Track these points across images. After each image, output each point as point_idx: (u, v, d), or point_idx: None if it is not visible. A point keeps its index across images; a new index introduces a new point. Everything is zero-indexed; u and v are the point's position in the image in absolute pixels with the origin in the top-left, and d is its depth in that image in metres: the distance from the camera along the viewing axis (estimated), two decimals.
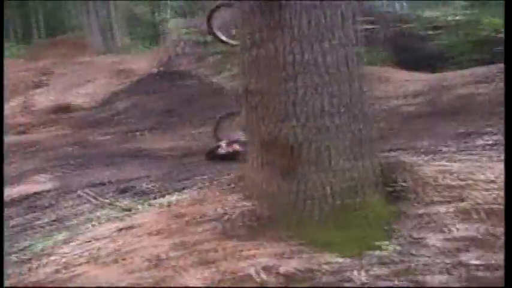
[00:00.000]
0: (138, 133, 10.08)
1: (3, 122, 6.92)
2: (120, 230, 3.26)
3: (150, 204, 4.62)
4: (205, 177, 5.85)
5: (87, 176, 6.69)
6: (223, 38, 7.05)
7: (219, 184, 3.59)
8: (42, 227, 4.68)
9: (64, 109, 12.12)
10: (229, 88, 11.99)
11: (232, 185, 3.34)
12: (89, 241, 3.22)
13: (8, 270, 3.59)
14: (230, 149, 6.43)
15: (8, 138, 10.00)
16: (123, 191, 5.63)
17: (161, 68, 14.31)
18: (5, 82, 14.26)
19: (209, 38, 13.85)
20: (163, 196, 5.16)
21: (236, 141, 6.40)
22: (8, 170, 7.30)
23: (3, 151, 5.23)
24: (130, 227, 3.26)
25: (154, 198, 5.13)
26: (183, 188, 5.37)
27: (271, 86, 2.84)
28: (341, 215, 2.85)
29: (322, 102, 2.81)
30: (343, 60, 2.84)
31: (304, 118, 2.80)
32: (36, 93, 13.50)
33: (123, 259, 2.74)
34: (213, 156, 6.59)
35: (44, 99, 13.10)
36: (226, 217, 2.90)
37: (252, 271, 2.54)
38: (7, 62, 18.36)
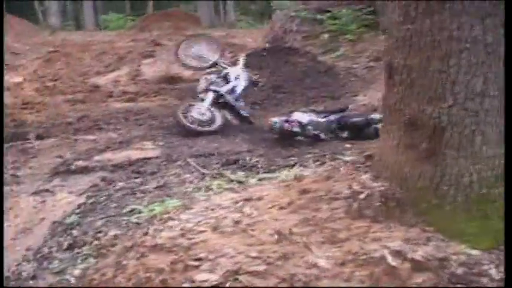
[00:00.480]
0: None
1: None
2: (238, 201, 3.22)
3: (260, 179, 4.65)
4: (310, 154, 5.88)
5: (190, 146, 6.81)
6: (192, 63, 8.41)
7: (344, 162, 3.47)
8: (150, 192, 4.81)
9: (170, 80, 12.40)
10: (339, 67, 11.93)
11: (359, 165, 3.20)
12: (207, 210, 3.20)
13: (116, 231, 3.73)
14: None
15: (116, 105, 10.48)
16: (229, 164, 5.69)
17: (270, 44, 14.34)
18: (114, 52, 14.96)
19: (320, 16, 13.98)
20: (273, 171, 5.19)
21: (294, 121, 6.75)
22: (115, 135, 7.60)
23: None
24: (249, 199, 3.22)
25: (264, 172, 5.16)
26: (293, 165, 5.38)
27: (423, 63, 2.70)
28: (483, 204, 2.67)
29: (475, 84, 2.62)
30: (502, 39, 2.62)
31: (453, 99, 2.63)
32: (144, 64, 13.92)
33: (246, 230, 2.70)
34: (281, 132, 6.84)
35: (151, 69, 13.50)
36: (354, 196, 2.79)
37: (382, 254, 2.46)
38: (118, 33, 19.26)
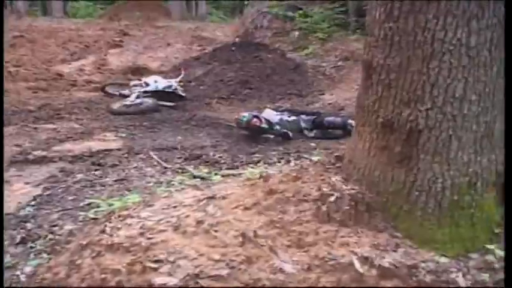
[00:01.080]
0: (208, 101, 10.13)
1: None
2: (202, 199, 3.07)
3: (224, 175, 4.56)
4: (275, 152, 5.87)
5: (154, 139, 6.71)
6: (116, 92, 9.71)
7: (312, 162, 3.35)
8: (110, 185, 4.68)
9: (136, 71, 12.20)
10: (308, 65, 11.87)
11: (329, 165, 3.08)
12: (168, 208, 3.05)
13: (72, 226, 3.56)
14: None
15: (80, 95, 10.23)
16: (192, 158, 5.62)
17: (240, 39, 14.23)
18: (81, 40, 14.61)
19: (291, 13, 13.91)
20: (236, 168, 5.12)
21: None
22: (76, 125, 7.39)
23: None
24: (213, 198, 3.07)
25: (227, 168, 5.09)
26: (257, 162, 5.33)
27: (403, 64, 2.58)
28: (454, 211, 2.59)
29: (455, 88, 2.52)
30: (486, 43, 2.53)
31: (431, 103, 2.52)
32: (110, 54, 13.64)
33: (209, 231, 2.55)
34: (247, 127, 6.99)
35: (118, 59, 13.25)
36: (323, 199, 2.67)
37: (350, 260, 2.38)
38: (87, 21, 18.86)
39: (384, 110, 2.67)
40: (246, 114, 7.08)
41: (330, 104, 9.70)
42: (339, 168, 3.00)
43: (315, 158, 4.13)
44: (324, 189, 2.72)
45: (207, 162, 5.48)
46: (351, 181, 2.80)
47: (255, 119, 6.88)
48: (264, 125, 6.85)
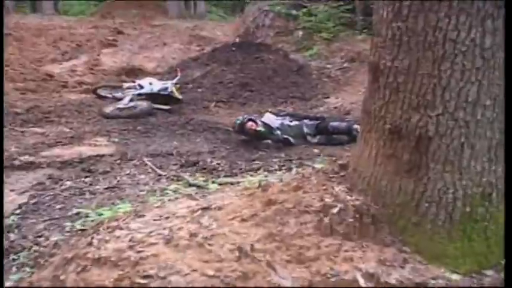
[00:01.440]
0: (206, 104, 10.13)
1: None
2: (196, 210, 3.03)
3: (221, 183, 4.53)
4: (276, 159, 5.85)
5: (148, 144, 6.69)
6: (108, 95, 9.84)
7: (314, 171, 3.32)
8: (100, 193, 4.65)
9: (131, 72, 12.19)
10: (312, 67, 11.85)
11: (332, 174, 3.05)
12: (160, 219, 3.01)
13: (58, 237, 3.52)
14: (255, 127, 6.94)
15: (70, 97, 10.21)
16: (188, 165, 5.60)
17: (240, 39, 14.21)
18: (72, 39, 14.60)
19: (295, 11, 13.89)
20: (235, 176, 5.08)
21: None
22: (66, 129, 7.37)
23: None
24: (208, 208, 3.04)
25: (225, 176, 5.07)
26: (257, 169, 5.31)
27: (412, 66, 2.55)
28: (466, 224, 2.55)
29: (468, 91, 2.48)
30: (501, 44, 2.49)
31: (442, 108, 2.48)
32: (104, 53, 13.62)
33: (203, 245, 2.51)
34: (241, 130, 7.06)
35: (111, 59, 13.24)
36: (325, 210, 2.63)
37: (354, 276, 2.36)
38: (79, 19, 18.87)
39: (391, 115, 2.63)
40: (240, 117, 7.12)
41: (335, 108, 9.67)
42: (343, 177, 2.97)
43: (317, 166, 4.09)
44: (327, 199, 2.68)
45: (204, 169, 5.45)
46: (356, 191, 2.77)
47: (250, 123, 6.89)
48: (261, 129, 6.85)
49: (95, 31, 15.69)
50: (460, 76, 2.48)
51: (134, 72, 12.10)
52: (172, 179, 4.99)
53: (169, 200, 3.79)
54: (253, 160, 5.96)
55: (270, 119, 7.26)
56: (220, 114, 9.57)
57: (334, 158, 3.52)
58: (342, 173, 3.01)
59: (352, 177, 2.89)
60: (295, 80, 11.28)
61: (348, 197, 2.69)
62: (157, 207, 3.42)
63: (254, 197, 3.02)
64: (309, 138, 7.14)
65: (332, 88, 10.94)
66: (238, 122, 6.97)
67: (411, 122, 2.56)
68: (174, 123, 8.22)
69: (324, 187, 2.83)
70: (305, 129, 7.18)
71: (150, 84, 9.44)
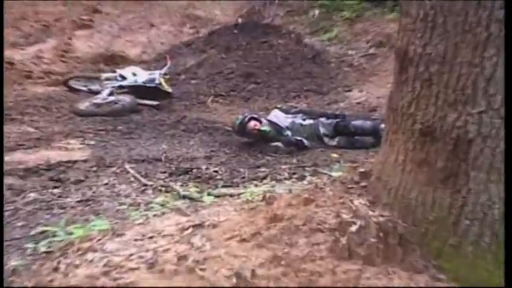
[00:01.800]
0: (201, 99, 10.17)
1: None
2: (187, 227, 3.05)
3: (219, 195, 4.59)
4: (286, 166, 5.89)
5: (131, 148, 6.73)
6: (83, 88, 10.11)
7: (330, 180, 3.33)
8: (72, 207, 4.70)
9: (110, 60, 12.25)
10: (330, 54, 11.89)
11: (351, 184, 3.06)
12: (143, 238, 3.03)
13: (17, 262, 3.54)
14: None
15: (36, 90, 10.26)
16: (179, 173, 5.65)
17: (243, 20, 14.25)
18: (37, 18, 14.62)
19: None
20: (236, 186, 5.13)
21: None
22: (31, 129, 7.41)
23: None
24: (201, 225, 3.06)
25: (224, 186, 5.12)
26: (263, 178, 5.34)
27: (448, 52, 2.54)
28: None
29: None
30: None
31: (486, 104, 2.47)
32: (77, 36, 13.67)
33: (194, 270, 2.52)
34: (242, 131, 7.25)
35: (86, 44, 13.29)
36: (343, 228, 2.63)
37: None
38: None
39: (422, 113, 2.63)
40: (240, 116, 7.18)
41: (358, 103, 9.72)
42: (364, 188, 2.98)
43: (334, 174, 4.11)
44: (344, 215, 2.68)
45: (199, 178, 5.51)
46: (380, 205, 2.78)
47: (252, 122, 6.94)
48: (266, 128, 6.90)
49: (66, 9, 15.72)
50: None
51: (114, 60, 12.18)
52: (160, 190, 5.04)
53: (154, 215, 3.82)
54: (258, 167, 6.01)
55: (278, 117, 7.31)
56: (219, 111, 9.63)
57: (354, 165, 3.52)
58: (363, 183, 3.02)
59: (375, 188, 2.89)
60: (309, 70, 11.34)
61: (370, 212, 2.69)
62: (140, 224, 3.44)
63: (257, 211, 3.04)
64: (326, 140, 7.20)
65: (355, 79, 11.00)
66: (237, 121, 7.04)
67: (447, 121, 2.55)
68: (163, 123, 8.28)
69: (341, 200, 2.84)
70: (321, 129, 7.24)
71: (134, 74, 9.52)
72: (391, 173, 2.81)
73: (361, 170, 3.14)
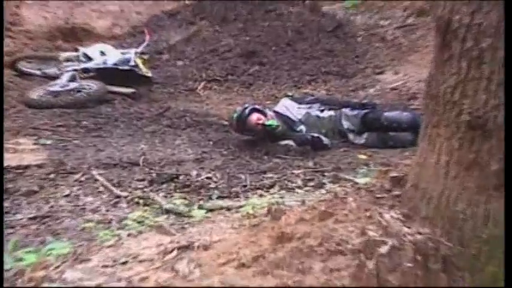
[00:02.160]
0: (190, 85, 10.17)
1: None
2: (170, 250, 3.08)
3: (212, 209, 4.60)
4: (299, 170, 5.89)
5: (100, 149, 6.75)
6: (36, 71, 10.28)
7: (354, 187, 3.35)
8: (22, 226, 4.72)
9: (71, 34, 12.25)
10: (356, 25, 11.88)
11: (380, 193, 3.08)
12: (114, 264, 3.05)
13: None
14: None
15: None
16: (162, 181, 5.67)
17: None
18: None
19: None
20: (235, 196, 5.14)
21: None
22: None
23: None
24: (188, 247, 3.08)
25: (219, 197, 5.12)
26: (270, 187, 5.35)
27: (502, 23, 2.55)
28: None
29: None
30: None
31: None
32: (26, 5, 13.67)
33: None
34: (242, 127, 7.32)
35: (38, 15, 13.28)
36: (369, 250, 2.65)
37: None
38: None
39: (471, 100, 2.64)
40: (239, 107, 7.19)
41: (393, 89, 9.72)
42: (398, 197, 3.00)
43: (360, 181, 4.12)
44: (371, 232, 2.70)
45: (187, 187, 5.52)
46: (417, 219, 2.79)
47: (255, 115, 6.96)
48: (272, 123, 6.92)
49: None
50: None
51: (76, 35, 12.19)
52: (137, 203, 5.05)
53: (129, 235, 3.84)
54: (263, 172, 6.01)
55: (289, 107, 7.32)
56: (213, 101, 9.64)
57: (386, 169, 3.54)
58: (395, 192, 3.03)
59: (411, 197, 2.91)
60: (329, 46, 11.36)
61: (405, 229, 2.71)
62: (110, 246, 3.47)
63: (260, 229, 3.06)
64: (351, 137, 7.20)
65: (389, 58, 11.00)
66: (235, 115, 7.05)
67: (502, 110, 2.57)
68: (141, 116, 8.31)
69: (368, 213, 2.85)
70: (345, 124, 7.24)
71: (102, 54, 9.54)
72: (432, 179, 2.82)
73: (394, 174, 3.16)
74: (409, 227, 2.75)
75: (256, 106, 7.21)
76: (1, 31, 9.99)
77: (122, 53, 9.63)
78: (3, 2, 10.23)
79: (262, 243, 2.92)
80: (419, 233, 2.70)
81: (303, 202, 3.61)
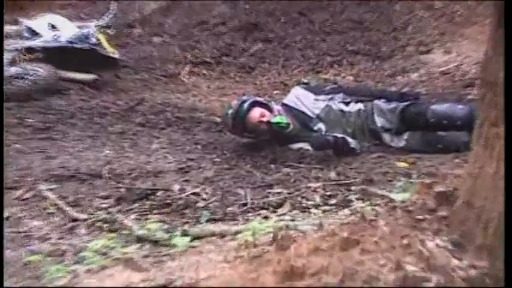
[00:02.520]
0: (170, 69, 10.19)
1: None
2: None
3: (199, 236, 4.60)
4: (316, 184, 5.87)
5: (50, 156, 6.77)
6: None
7: (389, 206, 3.39)
8: None
9: (9, 1, 12.30)
10: None
11: (422, 213, 3.12)
12: None
13: None
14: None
15: None
16: (134, 198, 5.67)
17: None
18: None
19: None
20: (231, 218, 5.16)
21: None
22: None
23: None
24: None
25: (209, 220, 5.12)
26: (277, 206, 5.35)
27: None
28: None
29: None
30: None
31: None
32: None
33: None
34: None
35: None
36: None
37: None
38: None
39: None
40: (235, 101, 7.18)
41: (443, 73, 9.72)
42: (445, 219, 3.02)
43: (395, 197, 4.14)
44: (410, 266, 2.73)
45: (166, 206, 5.53)
46: (471, 249, 2.81)
47: (257, 109, 6.97)
48: (281, 120, 6.93)
49: None
50: None
51: (16, 3, 12.22)
52: (100, 228, 5.06)
53: (89, 271, 3.86)
54: (270, 186, 6.00)
55: (303, 99, 7.32)
56: (202, 90, 9.67)
57: (430, 181, 3.56)
58: (442, 212, 3.05)
59: (463, 219, 2.92)
60: (357, 17, 11.40)
61: (455, 261, 2.74)
62: (63, 286, 3.50)
63: (263, 262, 3.09)
64: (387, 138, 7.19)
65: (438, 32, 11.02)
66: (231, 110, 7.04)
67: None
68: (105, 111, 8.33)
69: (405, 241, 2.88)
70: (378, 120, 7.22)
71: (53, 28, 9.56)
72: (490, 194, 2.83)
73: (440, 189, 3.18)
74: (459, 259, 2.78)
75: (259, 98, 7.19)
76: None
77: (79, 27, 9.65)
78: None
79: (265, 281, 2.95)
80: (474, 267, 2.73)
81: (321, 226, 3.61)
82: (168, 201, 5.60)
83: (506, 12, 2.59)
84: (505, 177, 2.67)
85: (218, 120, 7.62)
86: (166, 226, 4.97)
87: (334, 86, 8.01)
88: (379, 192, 5.25)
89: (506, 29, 2.60)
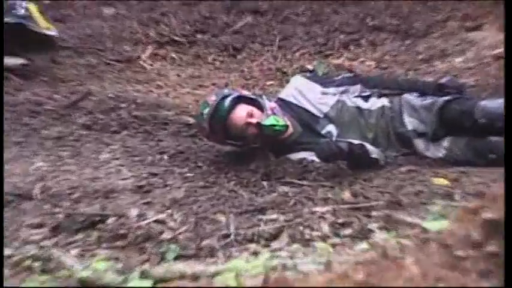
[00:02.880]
0: (127, 52, 10.24)
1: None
2: None
3: (166, 279, 4.62)
4: (327, 208, 5.89)
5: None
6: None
7: (420, 238, 3.42)
8: None
9: None
10: None
11: (464, 250, 3.15)
12: None
13: None
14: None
15: None
16: (76, 228, 5.70)
17: None
18: None
19: None
20: (208, 255, 5.18)
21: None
22: None
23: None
24: None
25: (178, 258, 5.14)
26: (272, 236, 5.37)
27: None
28: None
29: None
30: None
31: None
32: None
33: None
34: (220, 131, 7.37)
35: None
36: None
37: None
38: None
39: None
40: (214, 96, 7.17)
41: (496, 57, 9.75)
42: (494, 257, 3.04)
43: (431, 226, 4.16)
44: None
45: (121, 238, 5.53)
46: None
47: (242, 108, 6.96)
48: (277, 122, 6.92)
49: None
50: None
51: None
52: (29, 268, 5.07)
53: None
54: (261, 211, 6.00)
55: (306, 93, 7.31)
56: (170, 80, 9.72)
57: (476, 204, 3.59)
58: (491, 247, 3.08)
59: None
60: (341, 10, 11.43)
61: None
62: None
63: None
64: (420, 145, 7.18)
65: (490, 2, 11.07)
66: (207, 108, 7.02)
67: None
68: (38, 108, 8.36)
69: (441, 286, 2.91)
70: (408, 121, 7.22)
71: None
72: None
73: (489, 215, 3.20)
74: None
75: (246, 92, 7.16)
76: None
77: None
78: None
79: None
80: None
81: (329, 265, 3.64)
82: (123, 231, 5.57)
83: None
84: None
85: (191, 121, 7.60)
86: (119, 265, 4.94)
87: (348, 75, 7.99)
88: (408, 219, 5.25)
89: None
